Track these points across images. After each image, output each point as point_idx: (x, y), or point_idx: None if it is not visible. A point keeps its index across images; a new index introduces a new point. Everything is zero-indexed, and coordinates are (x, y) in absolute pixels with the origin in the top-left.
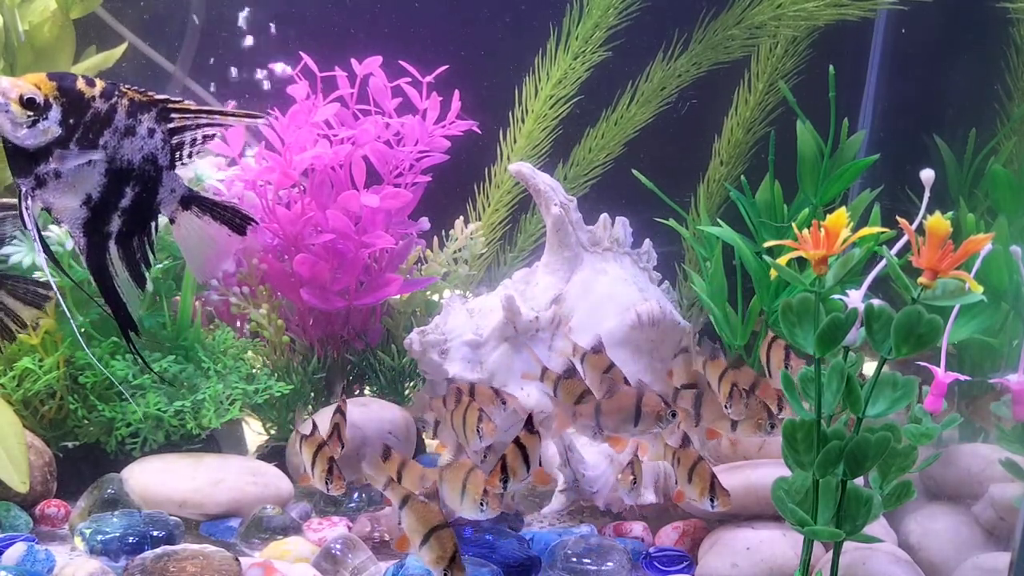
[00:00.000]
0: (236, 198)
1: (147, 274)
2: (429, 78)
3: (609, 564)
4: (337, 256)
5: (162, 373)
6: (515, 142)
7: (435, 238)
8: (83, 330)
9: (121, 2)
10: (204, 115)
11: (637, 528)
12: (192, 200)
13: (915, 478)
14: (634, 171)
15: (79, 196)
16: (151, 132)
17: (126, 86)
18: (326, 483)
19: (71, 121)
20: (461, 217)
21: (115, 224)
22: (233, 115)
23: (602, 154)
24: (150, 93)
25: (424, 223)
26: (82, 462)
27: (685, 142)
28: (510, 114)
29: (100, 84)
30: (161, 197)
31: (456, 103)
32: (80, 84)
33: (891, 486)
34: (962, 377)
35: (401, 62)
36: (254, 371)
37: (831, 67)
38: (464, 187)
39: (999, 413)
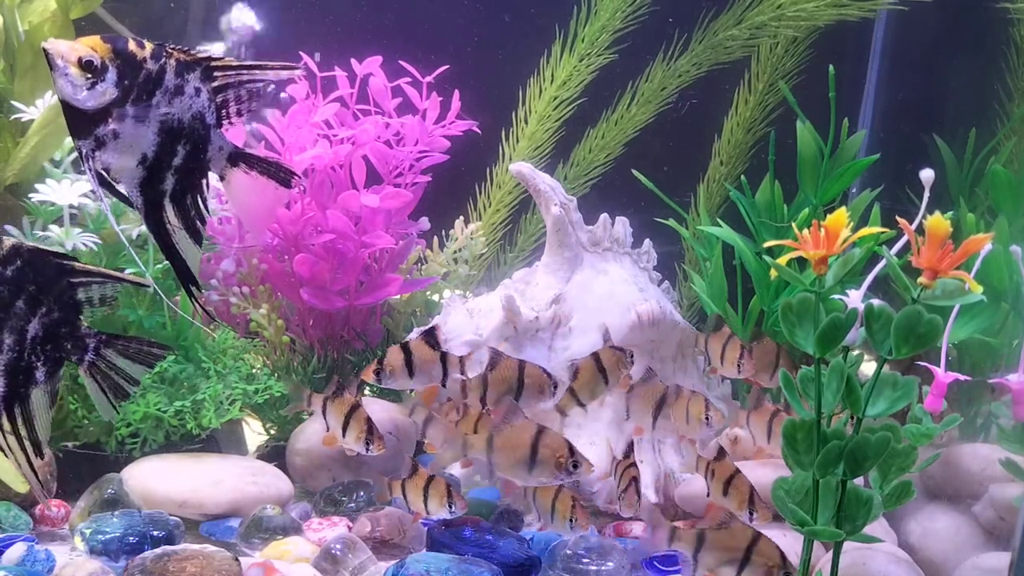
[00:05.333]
0: None
1: (202, 230)
2: (429, 78)
3: (609, 564)
4: (337, 256)
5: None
6: (517, 142)
7: (435, 238)
8: None
9: (121, 2)
10: (245, 70)
11: (637, 528)
12: (239, 157)
13: (915, 478)
14: (634, 171)
15: (135, 156)
16: (197, 91)
17: (171, 46)
18: (366, 444)
19: (126, 82)
20: (461, 217)
21: (169, 183)
22: (271, 67)
23: (602, 154)
24: (193, 52)
25: (424, 223)
26: (82, 462)
27: (685, 142)
28: (512, 115)
29: (149, 45)
30: (211, 155)
31: (456, 103)
32: (132, 46)
33: (891, 486)
34: (962, 377)
35: (401, 62)
36: (254, 371)
37: (831, 67)
38: (465, 187)
39: (999, 413)
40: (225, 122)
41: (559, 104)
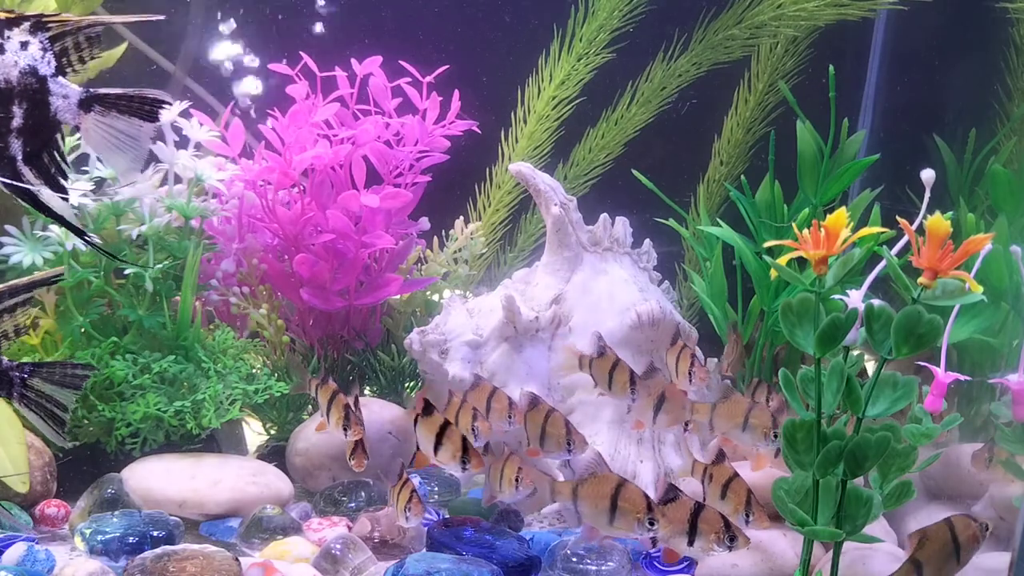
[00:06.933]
0: (236, 198)
1: (67, 184)
2: (429, 78)
3: (609, 564)
4: (337, 256)
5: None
6: (516, 142)
7: (435, 238)
8: (82, 330)
9: (121, 2)
10: (85, 23)
11: None
12: (92, 100)
13: (915, 478)
14: (634, 171)
15: None
16: (24, 44)
17: None
18: (344, 429)
19: None
20: (461, 217)
21: (16, 146)
22: (122, 19)
23: (602, 154)
24: (18, 12)
25: (424, 223)
26: (82, 462)
27: (685, 142)
28: (512, 114)
29: None
30: (55, 106)
31: (456, 103)
32: None
33: (891, 486)
34: (962, 377)
35: (401, 62)
36: (254, 371)
37: (831, 67)
38: (465, 187)
39: (999, 413)
40: (70, 70)
41: (558, 104)
